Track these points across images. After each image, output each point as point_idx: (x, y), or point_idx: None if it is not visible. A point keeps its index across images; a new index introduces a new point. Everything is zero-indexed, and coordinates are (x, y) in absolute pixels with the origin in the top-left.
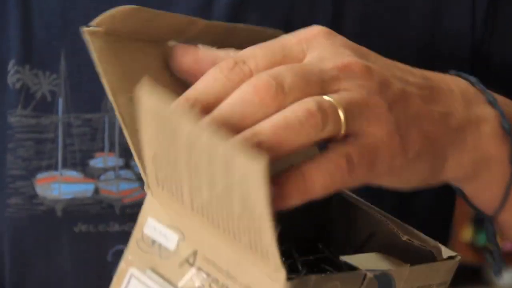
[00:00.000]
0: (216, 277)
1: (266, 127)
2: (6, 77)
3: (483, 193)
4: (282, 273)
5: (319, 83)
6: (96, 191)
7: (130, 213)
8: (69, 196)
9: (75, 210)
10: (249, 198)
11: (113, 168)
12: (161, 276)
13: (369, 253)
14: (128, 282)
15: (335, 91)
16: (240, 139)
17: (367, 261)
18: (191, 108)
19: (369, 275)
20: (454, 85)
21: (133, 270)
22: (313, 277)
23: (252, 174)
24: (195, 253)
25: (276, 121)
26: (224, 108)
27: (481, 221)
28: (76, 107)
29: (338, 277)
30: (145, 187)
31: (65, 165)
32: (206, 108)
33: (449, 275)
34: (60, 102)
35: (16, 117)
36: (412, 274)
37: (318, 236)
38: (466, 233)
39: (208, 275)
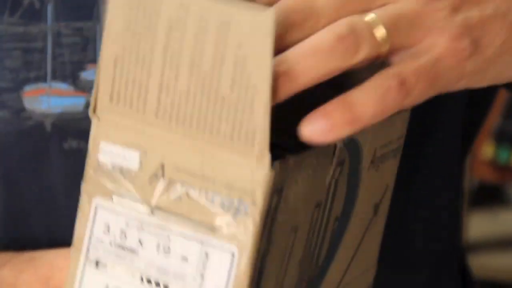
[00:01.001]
0: (192, 184)
1: (292, 54)
2: None
3: None
4: (266, 158)
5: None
6: (88, 105)
7: None
8: (58, 110)
9: (65, 125)
10: (246, 63)
11: None
12: (131, 199)
13: None
14: (95, 215)
15: (381, 6)
16: None
17: None
18: None
19: (339, 144)
20: None
21: (97, 201)
22: (291, 158)
23: (256, 28)
24: (162, 166)
25: (303, 48)
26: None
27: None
28: (66, 14)
29: (312, 153)
30: (90, 113)
31: (54, 77)
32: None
33: (404, 127)
34: (49, 9)
35: (3, 25)
36: (374, 130)
37: None
38: (487, 150)
39: (182, 184)
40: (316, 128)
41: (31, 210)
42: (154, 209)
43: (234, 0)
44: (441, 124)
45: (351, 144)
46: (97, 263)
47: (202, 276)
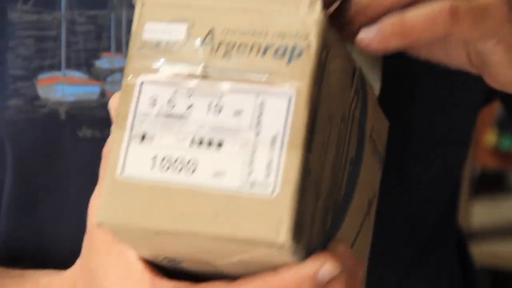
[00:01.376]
0: (242, 41)
1: (412, 13)
2: None
3: None
4: (318, 4)
5: None
6: (102, 93)
7: None
8: (73, 98)
9: (80, 113)
10: None
11: (120, 70)
12: (180, 67)
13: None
14: (140, 91)
15: None
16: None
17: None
18: None
19: (357, 66)
20: None
21: (142, 77)
22: (334, 30)
23: None
24: (211, 32)
25: (421, 12)
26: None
27: (506, 123)
28: (80, 3)
29: (345, 50)
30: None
31: (68, 65)
32: None
33: (384, 141)
34: None
35: (17, 12)
36: (375, 109)
37: None
38: (490, 137)
39: (232, 43)
40: (369, 35)
41: (41, 198)
42: (206, 70)
43: None
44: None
45: (363, 91)
46: (143, 137)
47: (258, 125)
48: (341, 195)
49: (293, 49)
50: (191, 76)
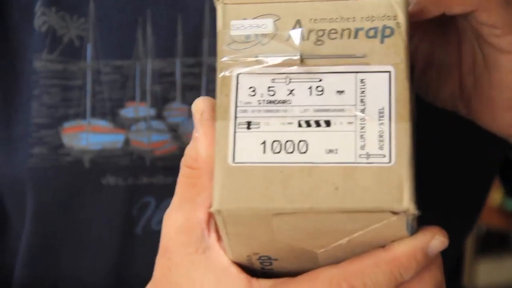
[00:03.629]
0: (332, 28)
1: None
2: (32, 20)
3: None
4: None
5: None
6: (127, 142)
7: (160, 165)
8: (97, 147)
9: (104, 161)
10: None
11: (144, 118)
12: (274, 56)
13: None
14: (237, 83)
15: None
16: None
17: None
18: None
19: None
20: None
21: (237, 70)
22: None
23: None
24: (298, 22)
25: None
26: None
27: None
28: (106, 53)
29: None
30: (214, 1)
31: (93, 114)
32: None
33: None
34: (89, 47)
35: (42, 62)
36: None
37: None
38: (495, 197)
39: (322, 30)
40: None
41: (59, 245)
42: (301, 57)
43: None
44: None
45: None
46: (248, 125)
47: (362, 101)
48: None
49: (384, 29)
50: (287, 63)
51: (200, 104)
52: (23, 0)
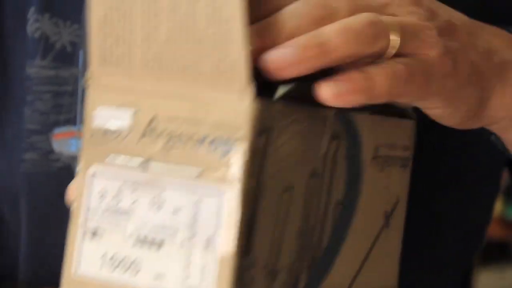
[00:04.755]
0: (183, 131)
1: (327, 30)
2: (26, 26)
3: None
4: (247, 89)
5: (372, 8)
6: None
7: None
8: None
9: None
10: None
11: None
12: (124, 158)
13: None
14: (91, 182)
15: (390, 14)
16: (304, 39)
17: None
18: None
19: (330, 114)
20: (499, 31)
21: (93, 168)
22: (279, 104)
23: None
24: (153, 119)
25: (337, 26)
26: (281, 15)
27: None
28: None
29: (304, 110)
30: (84, 83)
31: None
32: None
33: (410, 139)
34: (81, 53)
35: (35, 68)
36: (374, 124)
37: None
38: (496, 207)
39: (173, 132)
40: (334, 90)
41: (55, 252)
42: (148, 163)
43: None
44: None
45: (347, 124)
46: (94, 233)
47: (194, 225)
48: (324, 245)
49: (227, 141)
50: (136, 169)
51: (73, 190)
52: (16, 7)
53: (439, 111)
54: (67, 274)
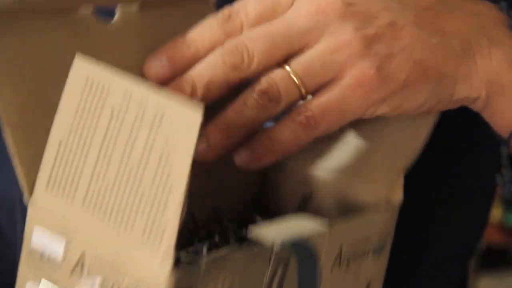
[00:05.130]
0: (107, 277)
1: (228, 111)
2: None
3: (500, 116)
4: (170, 259)
5: (286, 45)
6: None
7: None
8: None
9: None
10: (169, 160)
11: None
12: None
13: (289, 218)
14: None
15: (302, 49)
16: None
17: (284, 229)
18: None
19: (276, 249)
20: (476, 9)
21: (29, 285)
22: (203, 264)
23: (182, 126)
24: (83, 255)
25: (235, 104)
26: (195, 70)
27: None
28: None
29: (237, 257)
30: (25, 197)
31: None
32: (186, 60)
33: (390, 225)
34: None
35: None
36: (337, 230)
37: (256, 205)
38: (496, 213)
39: (98, 277)
40: (243, 157)
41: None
42: None
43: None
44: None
45: (299, 246)
46: None
47: None
48: None
49: None
50: None
51: None
52: None
53: (390, 113)
54: None
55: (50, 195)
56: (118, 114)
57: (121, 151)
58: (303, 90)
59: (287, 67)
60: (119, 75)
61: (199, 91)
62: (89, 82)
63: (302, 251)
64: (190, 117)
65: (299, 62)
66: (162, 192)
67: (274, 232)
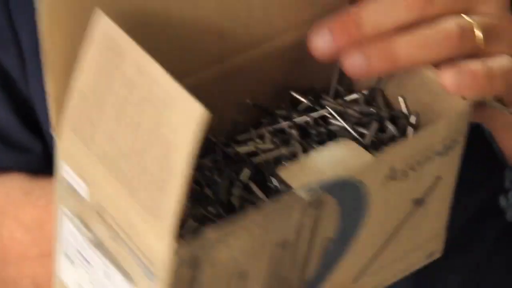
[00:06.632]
0: (117, 232)
1: (403, 40)
2: None
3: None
4: (171, 234)
5: (466, 2)
6: None
7: None
8: None
9: None
10: (172, 150)
11: None
12: (82, 221)
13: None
14: (61, 220)
15: (478, 12)
16: (376, 48)
17: (314, 171)
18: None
19: (305, 198)
20: None
21: (64, 209)
22: (212, 236)
23: (188, 122)
24: (100, 206)
25: (414, 38)
26: (369, 5)
27: None
28: None
29: (252, 225)
30: (51, 129)
31: None
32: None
33: (455, 128)
34: None
35: None
36: (383, 158)
37: None
38: None
39: (110, 227)
40: (458, 81)
41: None
42: (98, 244)
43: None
44: None
45: (344, 190)
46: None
47: None
48: (311, 273)
49: (147, 270)
50: (87, 240)
51: None
52: None
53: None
54: None
55: (69, 136)
56: (130, 85)
57: (131, 121)
58: (481, 49)
59: (475, 18)
60: (135, 45)
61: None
62: (108, 41)
63: (337, 189)
64: (195, 115)
65: (483, 19)
66: (166, 178)
67: (300, 177)
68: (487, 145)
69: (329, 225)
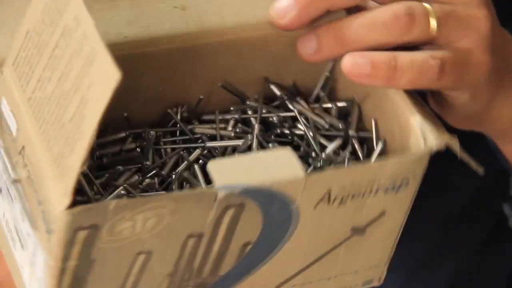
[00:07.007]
0: (33, 181)
1: (352, 22)
2: None
3: None
4: (67, 198)
5: None
6: None
7: None
8: None
9: None
10: (86, 107)
11: None
12: (9, 157)
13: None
14: None
15: (440, 1)
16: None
17: (245, 170)
18: None
19: (220, 196)
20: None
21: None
22: (111, 203)
23: (103, 80)
24: (23, 148)
25: (363, 19)
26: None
27: None
28: None
29: (163, 211)
30: None
31: None
32: None
33: (413, 169)
34: None
35: None
36: (319, 178)
37: None
38: None
39: (29, 175)
40: (355, 67)
41: None
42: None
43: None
44: None
45: (256, 192)
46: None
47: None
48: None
49: (47, 225)
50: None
51: None
52: None
53: (457, 101)
54: None
55: (12, 73)
56: (67, 34)
57: (59, 72)
58: (434, 35)
59: (429, 5)
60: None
61: None
62: None
63: (261, 196)
64: (111, 76)
65: (441, 7)
66: (74, 134)
67: (227, 175)
68: (488, 153)
69: (249, 229)
